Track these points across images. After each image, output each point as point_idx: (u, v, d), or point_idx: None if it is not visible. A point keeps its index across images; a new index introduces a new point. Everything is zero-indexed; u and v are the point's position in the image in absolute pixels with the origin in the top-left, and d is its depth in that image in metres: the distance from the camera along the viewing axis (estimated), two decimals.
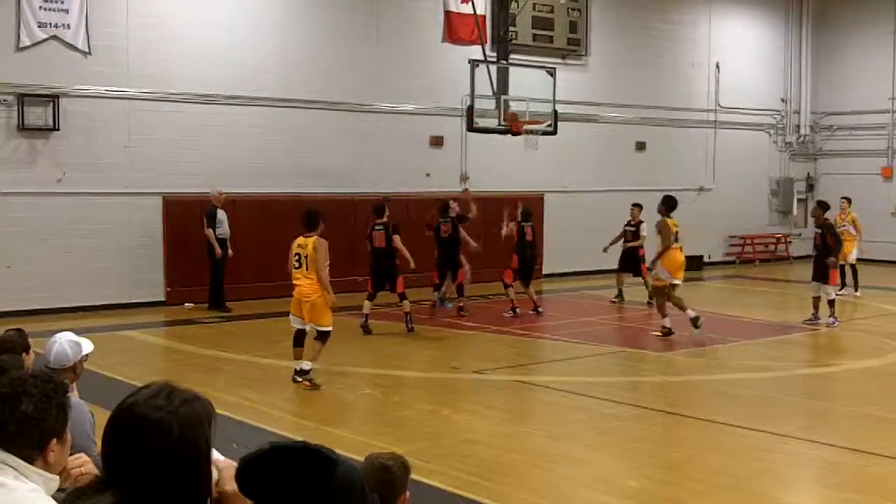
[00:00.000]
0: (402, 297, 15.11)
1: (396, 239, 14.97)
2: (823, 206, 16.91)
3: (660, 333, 14.83)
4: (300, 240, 11.29)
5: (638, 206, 18.94)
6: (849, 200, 20.21)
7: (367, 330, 14.98)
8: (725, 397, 11.09)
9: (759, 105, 27.44)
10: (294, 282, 11.31)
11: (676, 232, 15.02)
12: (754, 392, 11.38)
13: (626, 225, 18.78)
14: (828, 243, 16.13)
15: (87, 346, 5.65)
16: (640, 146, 24.77)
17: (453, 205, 16.95)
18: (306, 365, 11.31)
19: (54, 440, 2.61)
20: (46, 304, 16.18)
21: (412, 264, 15.06)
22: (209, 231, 16.84)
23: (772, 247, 27.85)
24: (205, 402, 2.32)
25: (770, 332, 15.84)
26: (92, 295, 16.92)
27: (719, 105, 26.34)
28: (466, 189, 18.40)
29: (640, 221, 18.63)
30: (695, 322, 14.70)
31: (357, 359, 13.12)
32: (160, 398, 2.24)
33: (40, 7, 16.29)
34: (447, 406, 10.56)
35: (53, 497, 2.58)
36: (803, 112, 28.38)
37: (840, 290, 18.51)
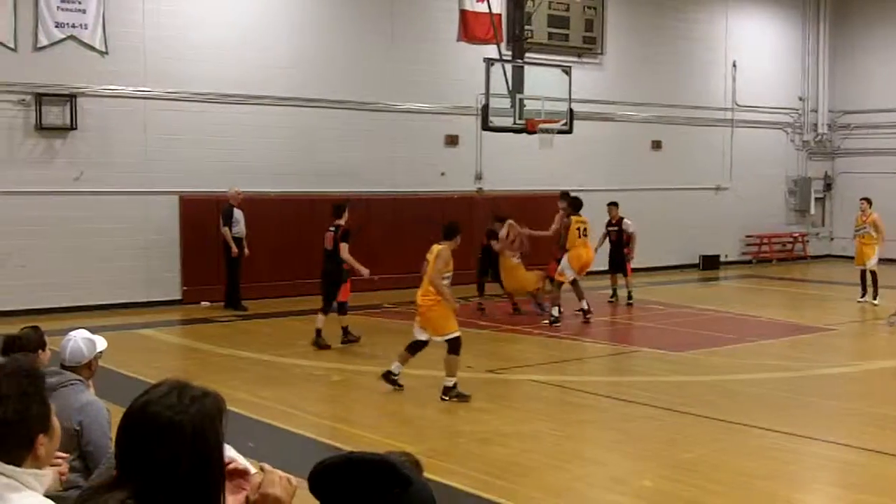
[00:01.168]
0: (342, 307, 13.99)
1: (343, 248, 13.69)
2: None
3: (548, 322, 15.71)
4: (433, 247, 11.00)
5: (614, 204, 18.79)
6: (869, 201, 19.31)
7: (322, 346, 13.65)
8: (741, 397, 11.05)
9: (776, 103, 27.31)
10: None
11: (584, 229, 16.19)
12: (770, 392, 11.33)
13: (607, 225, 18.66)
14: None
15: (101, 343, 5.69)
16: (657, 145, 24.70)
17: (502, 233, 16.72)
18: (448, 381, 10.69)
19: (41, 435, 2.55)
20: (63, 302, 16.26)
21: (365, 273, 13.81)
22: (225, 230, 16.89)
23: (789, 246, 27.72)
24: (215, 397, 2.32)
25: (786, 331, 15.77)
26: (108, 293, 17.00)
27: (736, 103, 26.23)
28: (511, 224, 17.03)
29: (621, 218, 18.57)
30: (553, 320, 15.68)
31: (372, 358, 13.13)
32: (171, 397, 2.24)
33: (58, 7, 16.38)
34: (461, 405, 10.56)
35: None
36: (821, 110, 28.22)
37: (861, 297, 18.37)
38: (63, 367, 5.51)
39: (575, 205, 16.37)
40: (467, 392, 10.74)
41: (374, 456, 2.11)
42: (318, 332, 13.79)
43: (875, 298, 18.52)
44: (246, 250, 17.10)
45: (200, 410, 2.24)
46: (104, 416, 5.16)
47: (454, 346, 10.70)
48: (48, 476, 2.59)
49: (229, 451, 5.01)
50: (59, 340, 5.66)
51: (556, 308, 15.94)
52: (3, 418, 2.52)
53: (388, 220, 19.50)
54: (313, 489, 2.10)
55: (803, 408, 10.72)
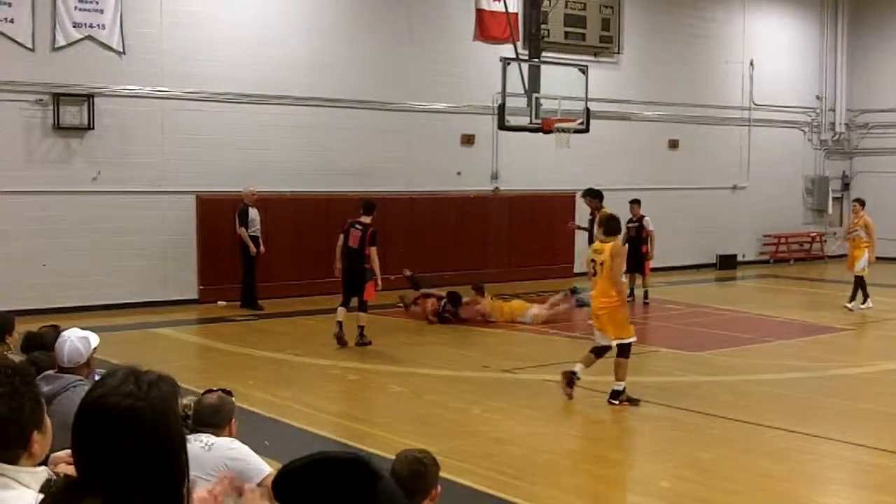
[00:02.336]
0: (363, 306, 13.77)
1: (373, 251, 13.55)
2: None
3: None
4: (596, 245, 10.65)
5: (636, 202, 18.68)
6: (861, 203, 18.49)
7: (341, 340, 13.62)
8: (758, 397, 11.00)
9: (793, 102, 27.18)
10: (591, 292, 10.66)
11: None
12: (788, 392, 11.27)
13: (628, 222, 18.28)
14: None
15: (94, 338, 5.71)
16: (674, 144, 24.62)
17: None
18: (618, 386, 10.46)
19: (35, 432, 2.54)
20: (81, 301, 16.33)
21: (379, 284, 13.78)
22: (241, 230, 16.92)
23: (806, 246, 27.59)
24: (169, 380, 2.23)
25: (804, 332, 15.69)
26: (125, 292, 17.07)
27: (754, 102, 26.12)
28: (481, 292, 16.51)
29: (643, 216, 18.45)
30: None
31: (387, 357, 13.15)
32: (128, 385, 2.16)
33: (76, 7, 16.45)
34: (478, 405, 10.55)
35: None
36: (839, 110, 28.07)
37: (849, 303, 17.58)
38: (62, 369, 5.48)
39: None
40: (636, 396, 10.52)
41: (339, 454, 2.04)
42: (340, 324, 13.65)
43: (864, 303, 17.57)
44: (262, 247, 17.13)
45: (159, 395, 2.16)
46: None
47: (626, 350, 10.45)
48: (43, 474, 2.57)
49: (244, 451, 5.01)
50: None
51: None
52: None
53: (405, 220, 19.50)
54: (279, 497, 2.02)
55: (822, 408, 10.66)
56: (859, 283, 17.64)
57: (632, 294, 18.58)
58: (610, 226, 10.64)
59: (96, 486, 2.09)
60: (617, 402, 10.39)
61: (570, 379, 10.58)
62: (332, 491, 1.97)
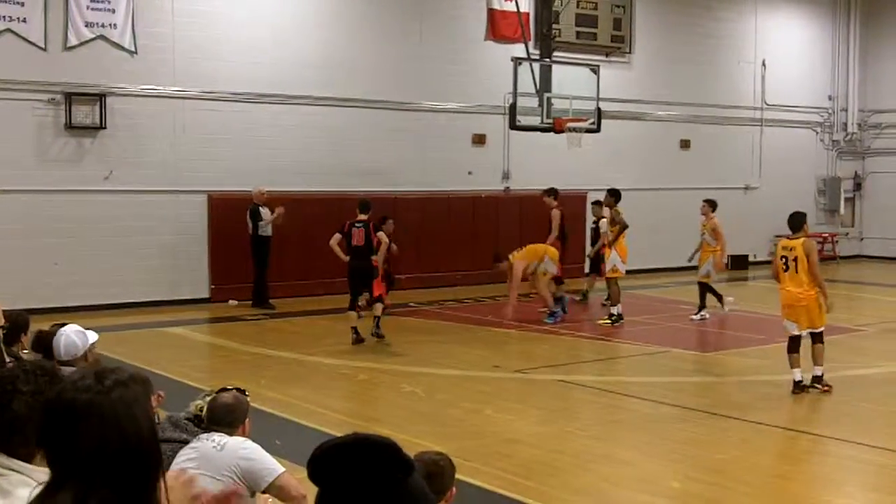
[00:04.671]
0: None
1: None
2: None
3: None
4: (784, 241, 11.28)
5: (598, 203, 17.76)
6: (711, 203, 16.87)
7: (358, 339, 13.82)
8: (770, 398, 10.96)
9: (805, 103, 27.09)
10: (783, 286, 11.14)
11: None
12: (801, 393, 11.23)
13: (593, 223, 18.06)
14: None
15: (92, 335, 5.75)
16: (685, 144, 24.57)
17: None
18: (818, 371, 11.11)
19: None
20: (93, 300, 16.37)
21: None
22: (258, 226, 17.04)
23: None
24: (140, 378, 2.21)
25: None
26: (137, 291, 17.11)
27: (766, 103, 26.05)
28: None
29: (602, 217, 17.31)
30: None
31: (396, 356, 13.15)
32: (87, 380, 2.14)
33: (88, 7, 16.50)
34: (489, 405, 10.54)
35: None
36: (851, 110, 27.97)
37: (695, 315, 16.40)
38: (59, 363, 5.51)
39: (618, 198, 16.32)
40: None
41: (377, 437, 2.02)
42: (355, 328, 13.86)
43: (697, 314, 16.38)
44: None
45: (123, 394, 2.14)
46: None
47: (822, 336, 11.16)
48: None
49: (256, 451, 5.01)
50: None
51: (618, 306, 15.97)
52: (17, 414, 2.53)
53: (416, 219, 19.49)
54: (314, 475, 1.99)
55: (834, 409, 10.62)
56: (704, 289, 16.52)
57: (585, 297, 18.49)
58: (796, 221, 11.34)
59: (67, 482, 2.08)
60: (819, 387, 11.05)
61: (825, 384, 11.13)
62: (368, 473, 1.95)
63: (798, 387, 10.98)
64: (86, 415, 2.09)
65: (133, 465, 2.10)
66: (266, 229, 17.14)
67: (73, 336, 5.63)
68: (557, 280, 16.43)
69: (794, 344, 11.11)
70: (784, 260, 11.07)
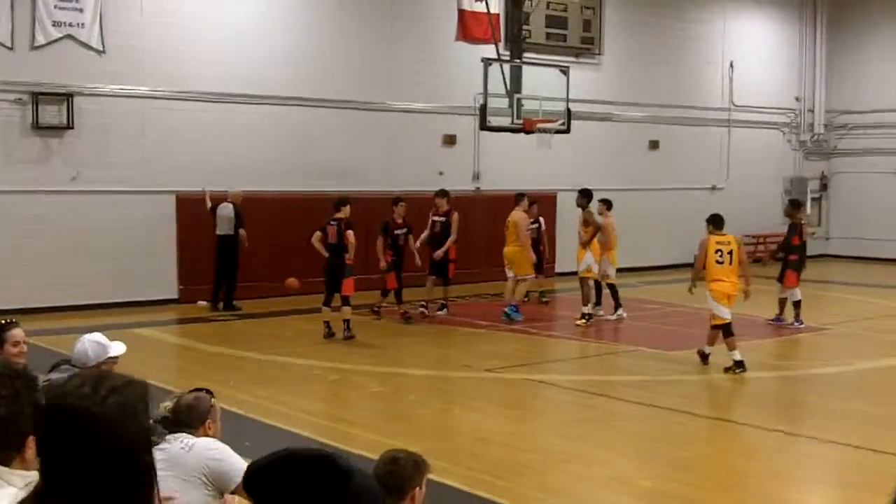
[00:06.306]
0: (346, 301, 14.15)
1: (349, 234, 14.08)
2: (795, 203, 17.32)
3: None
4: (717, 237, 12.33)
5: (533, 201, 17.57)
6: (606, 203, 16.95)
7: (329, 334, 14.13)
8: (738, 396, 11.07)
9: (773, 104, 27.34)
10: (717, 278, 12.11)
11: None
12: (766, 391, 11.35)
13: (532, 222, 17.58)
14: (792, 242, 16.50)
15: (115, 348, 5.69)
16: (654, 145, 24.72)
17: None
18: (737, 355, 11.91)
19: (31, 437, 2.49)
20: (61, 301, 16.23)
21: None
22: (242, 232, 17.06)
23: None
24: (138, 385, 2.15)
25: (781, 331, 15.78)
26: (105, 292, 16.97)
27: (733, 104, 26.26)
28: None
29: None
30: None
31: (366, 357, 13.14)
32: (85, 388, 2.09)
33: (55, 6, 16.36)
34: (458, 404, 10.56)
35: None
36: (817, 111, 28.26)
37: (590, 310, 16.17)
38: (72, 365, 5.53)
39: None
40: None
41: (311, 451, 2.02)
42: (327, 323, 14.18)
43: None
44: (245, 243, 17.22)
45: (119, 401, 2.08)
46: None
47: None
48: (34, 479, 2.55)
49: (225, 452, 4.99)
50: (56, 339, 5.67)
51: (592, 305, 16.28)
52: None
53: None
54: (250, 493, 2.00)
55: (799, 407, 10.74)
56: (613, 289, 16.70)
57: (543, 295, 18.59)
58: (718, 220, 12.61)
59: (58, 489, 2.05)
60: (738, 372, 11.79)
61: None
62: (299, 488, 1.96)
63: (740, 365, 11.76)
64: (78, 423, 2.04)
65: (128, 475, 2.06)
66: (223, 228, 17.05)
67: (87, 345, 5.60)
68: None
69: (729, 328, 12.05)
70: (719, 253, 12.02)
